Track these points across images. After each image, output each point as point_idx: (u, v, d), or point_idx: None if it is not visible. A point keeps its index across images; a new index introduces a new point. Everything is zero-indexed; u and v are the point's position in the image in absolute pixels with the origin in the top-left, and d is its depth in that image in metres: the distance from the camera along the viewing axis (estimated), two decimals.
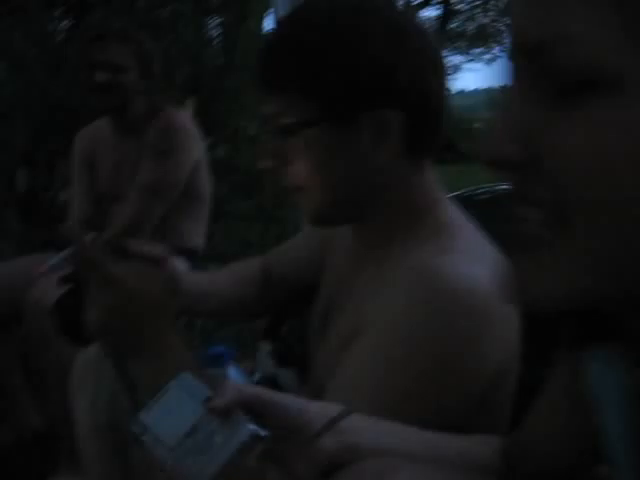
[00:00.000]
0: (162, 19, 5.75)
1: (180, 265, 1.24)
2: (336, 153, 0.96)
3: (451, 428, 0.85)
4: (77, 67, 2.67)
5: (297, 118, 0.95)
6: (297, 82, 0.94)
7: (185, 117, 2.47)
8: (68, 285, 1.02)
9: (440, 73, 0.98)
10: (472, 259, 0.91)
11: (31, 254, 2.56)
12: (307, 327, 1.19)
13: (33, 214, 4.24)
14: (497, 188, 1.67)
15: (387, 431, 0.80)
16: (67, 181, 2.75)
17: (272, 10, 2.27)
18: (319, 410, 0.78)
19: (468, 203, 1.09)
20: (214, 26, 6.79)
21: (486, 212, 1.09)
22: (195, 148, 2.40)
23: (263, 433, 0.76)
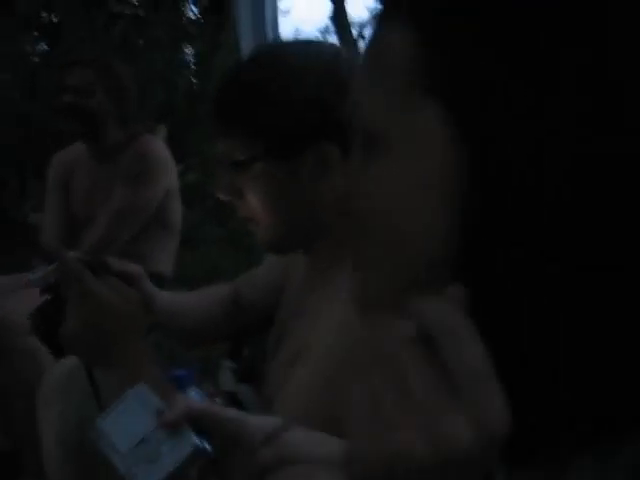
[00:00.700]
0: (136, 45, 5.82)
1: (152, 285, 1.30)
2: (281, 186, 1.05)
3: None
4: (51, 90, 2.73)
5: (244, 155, 1.05)
6: (241, 121, 1.05)
7: (159, 144, 2.53)
8: (48, 297, 1.08)
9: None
10: None
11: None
12: (266, 347, 1.26)
13: (4, 235, 4.25)
14: None
15: (321, 443, 0.85)
16: (38, 203, 2.79)
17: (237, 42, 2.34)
18: (259, 424, 0.83)
19: None
20: (188, 54, 6.88)
21: None
22: (168, 175, 2.46)
23: (207, 446, 0.82)
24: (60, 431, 1.56)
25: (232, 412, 0.85)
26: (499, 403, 0.40)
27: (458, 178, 0.45)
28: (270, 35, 2.14)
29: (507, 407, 0.40)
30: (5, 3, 5.57)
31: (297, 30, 10.59)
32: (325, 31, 10.39)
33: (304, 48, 1.10)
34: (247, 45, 2.13)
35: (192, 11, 7.21)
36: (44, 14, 6.24)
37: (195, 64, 6.77)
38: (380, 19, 0.51)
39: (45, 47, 6.63)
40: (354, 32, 9.80)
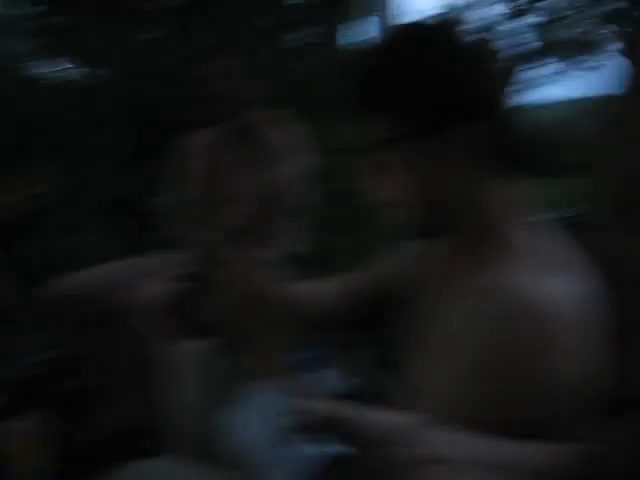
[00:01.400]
0: (265, 28, 5.87)
1: (286, 272, 1.29)
2: (429, 166, 1.04)
3: (529, 435, 0.89)
4: (180, 77, 2.79)
5: (390, 134, 1.03)
6: (389, 101, 1.03)
7: (290, 126, 2.54)
8: (185, 283, 1.09)
9: (509, 92, 1.04)
10: (537, 276, 0.96)
11: (129, 255, 2.69)
12: (402, 334, 1.22)
13: (137, 217, 4.39)
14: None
15: (468, 441, 0.82)
16: (169, 186, 2.85)
17: (354, 24, 2.31)
18: (400, 423, 0.81)
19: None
20: (312, 35, 6.88)
21: None
22: (300, 157, 2.46)
23: (344, 450, 0.79)
24: (190, 409, 1.59)
25: (371, 412, 0.82)
26: None
27: None
28: (396, 13, 2.09)
29: None
30: None
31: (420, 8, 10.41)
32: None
33: (448, 26, 1.08)
34: (373, 24, 2.09)
35: None
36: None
37: (319, 45, 6.76)
38: None
39: (170, 32, 6.78)
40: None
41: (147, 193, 4.11)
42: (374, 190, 1.08)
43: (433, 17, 1.13)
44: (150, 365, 2.01)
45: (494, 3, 7.79)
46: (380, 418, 0.81)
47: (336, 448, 0.79)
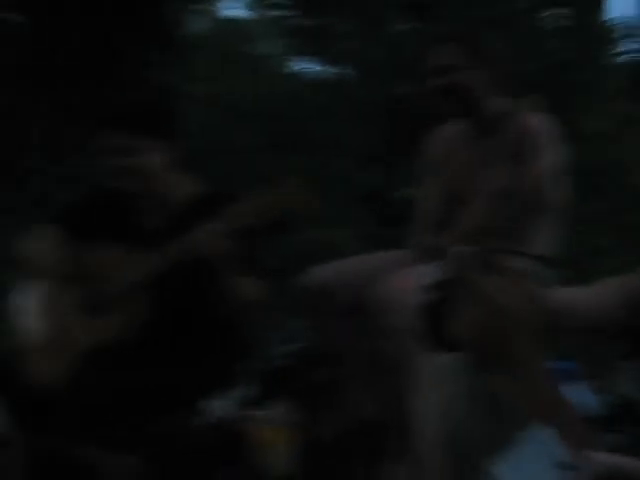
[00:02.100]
0: (498, 15, 5.68)
1: (542, 277, 1.19)
2: None
3: None
4: (421, 69, 2.74)
5: None
6: None
7: (540, 118, 2.38)
8: (437, 292, 1.03)
9: None
10: None
11: (375, 249, 2.67)
12: None
13: (378, 211, 4.42)
14: None
15: None
16: (411, 180, 2.81)
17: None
18: None
19: None
20: (555, 19, 6.54)
21: None
22: (552, 153, 2.30)
23: None
24: (432, 419, 1.54)
25: None
26: None
27: None
28: None
29: None
30: None
31: None
32: None
33: None
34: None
35: None
36: None
37: (566, 29, 6.43)
38: None
39: (411, 24, 6.77)
40: None
41: (397, 187, 4.10)
42: None
43: None
44: (392, 364, 1.97)
45: None
46: None
47: None
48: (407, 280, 1.89)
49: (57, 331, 2.06)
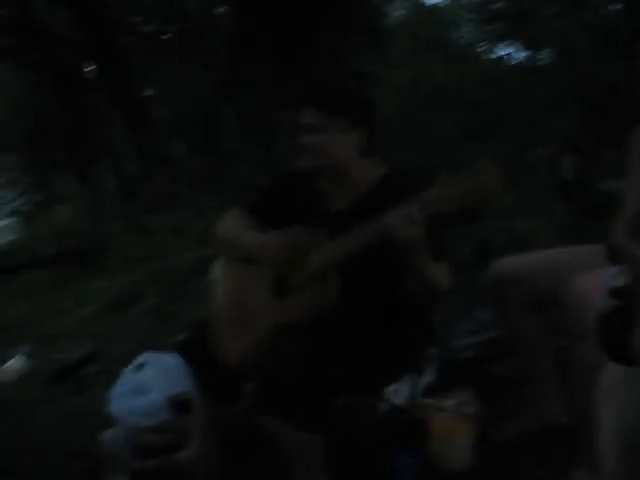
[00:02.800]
0: None
1: None
2: None
3: None
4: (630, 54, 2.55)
5: None
6: None
7: None
8: (616, 299, 0.95)
9: None
10: None
11: (571, 242, 2.54)
12: None
13: (577, 202, 4.21)
14: None
15: None
16: (616, 171, 2.63)
17: None
18: None
19: None
20: None
21: None
22: None
23: None
24: (617, 428, 1.47)
25: None
26: None
27: None
28: None
29: None
30: None
31: None
32: None
33: None
34: None
35: None
36: None
37: None
38: None
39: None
40: None
41: (602, 178, 3.89)
42: None
43: None
44: (582, 366, 1.87)
45: None
46: None
47: None
48: (598, 281, 1.77)
49: (243, 311, 2.13)
